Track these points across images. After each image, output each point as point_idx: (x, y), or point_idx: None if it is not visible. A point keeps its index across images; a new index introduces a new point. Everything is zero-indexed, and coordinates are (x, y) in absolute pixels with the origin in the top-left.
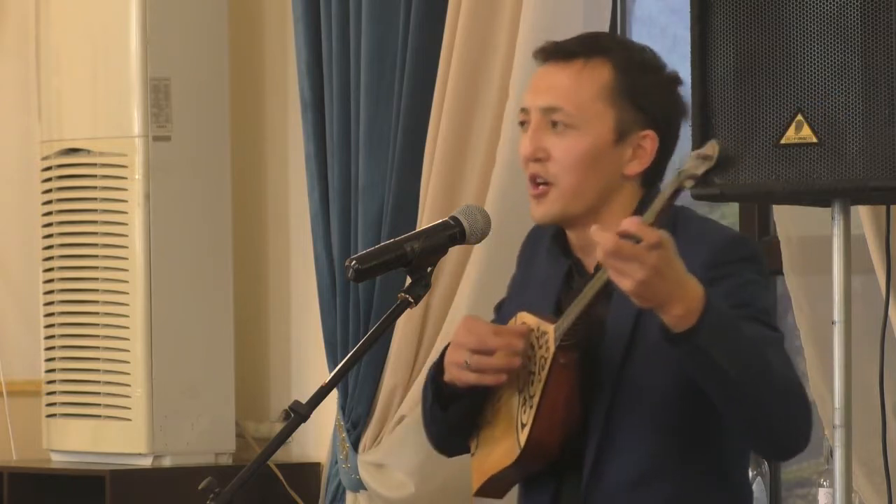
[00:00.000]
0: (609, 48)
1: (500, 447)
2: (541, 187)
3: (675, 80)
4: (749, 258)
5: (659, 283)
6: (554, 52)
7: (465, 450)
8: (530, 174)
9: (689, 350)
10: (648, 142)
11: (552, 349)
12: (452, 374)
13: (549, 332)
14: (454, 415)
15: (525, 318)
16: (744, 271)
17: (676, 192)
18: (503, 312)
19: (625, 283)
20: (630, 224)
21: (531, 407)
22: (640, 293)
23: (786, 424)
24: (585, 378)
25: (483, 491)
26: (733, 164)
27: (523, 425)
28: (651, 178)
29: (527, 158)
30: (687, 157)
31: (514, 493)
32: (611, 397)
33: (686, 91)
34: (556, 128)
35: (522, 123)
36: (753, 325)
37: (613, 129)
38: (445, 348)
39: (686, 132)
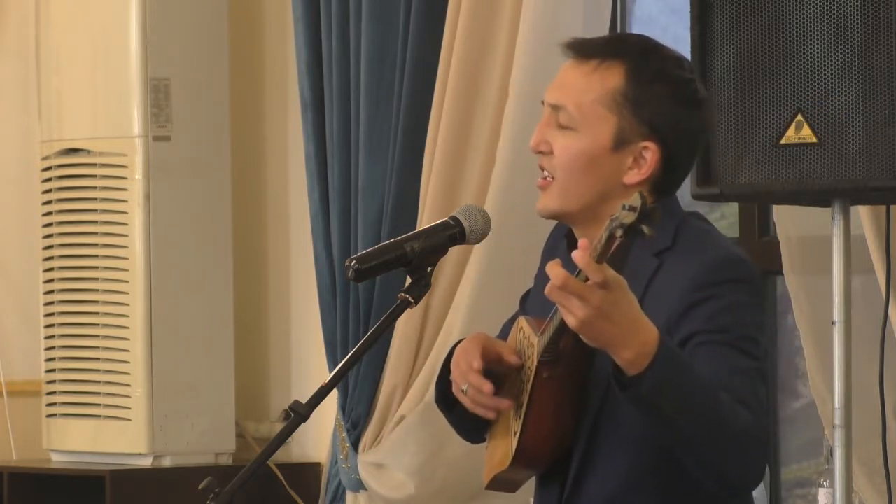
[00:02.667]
0: (628, 53)
1: (501, 449)
2: (544, 179)
3: (694, 96)
4: (738, 279)
5: (603, 325)
6: (574, 49)
7: (484, 439)
8: (538, 164)
9: (635, 399)
10: (649, 153)
11: (535, 363)
12: (455, 382)
13: (536, 345)
14: (461, 418)
15: (522, 325)
16: (730, 293)
17: (610, 238)
18: (526, 305)
19: (569, 320)
20: (578, 257)
21: (520, 417)
22: (583, 331)
23: (734, 468)
24: (582, 384)
25: (493, 487)
26: (657, 215)
27: (515, 433)
28: (665, 187)
29: (532, 150)
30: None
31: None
32: (597, 411)
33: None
34: (560, 126)
35: None
36: (727, 353)
37: (613, 135)
38: (456, 345)
39: None
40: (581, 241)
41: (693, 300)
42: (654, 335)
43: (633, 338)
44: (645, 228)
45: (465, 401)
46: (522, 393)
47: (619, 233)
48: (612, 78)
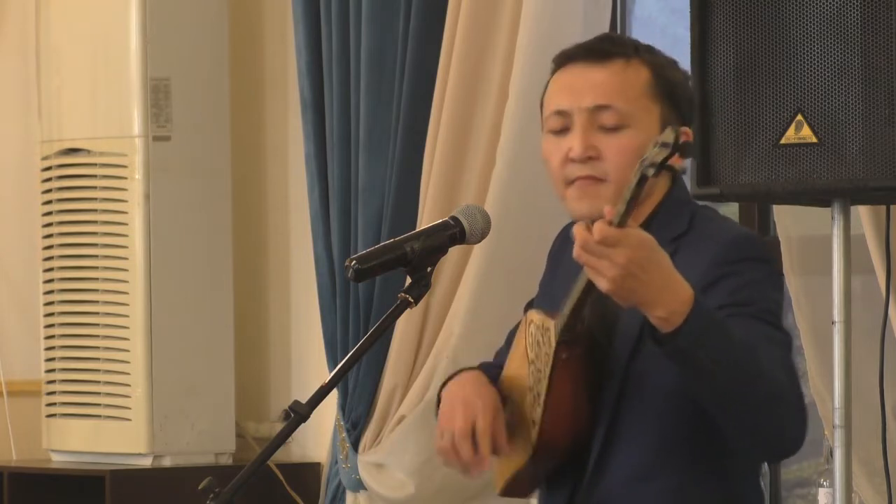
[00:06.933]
0: (636, 48)
1: (517, 447)
2: (590, 179)
3: (687, 74)
4: (756, 257)
5: (632, 284)
6: (587, 54)
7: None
8: (578, 175)
9: (673, 352)
10: (684, 138)
11: (553, 345)
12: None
13: (552, 328)
14: None
15: (532, 317)
16: (750, 270)
17: (642, 180)
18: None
19: (599, 282)
20: (597, 224)
21: (539, 404)
22: (613, 292)
23: (774, 429)
24: (596, 372)
25: (507, 492)
26: (691, 150)
27: (534, 423)
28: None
29: (574, 159)
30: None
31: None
32: (618, 391)
33: None
34: (604, 128)
35: (559, 131)
36: (754, 324)
37: (659, 125)
38: (454, 374)
39: None
40: (574, 227)
41: (713, 277)
42: (688, 293)
43: (666, 295)
44: (676, 165)
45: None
46: (539, 381)
47: (651, 172)
48: (643, 72)
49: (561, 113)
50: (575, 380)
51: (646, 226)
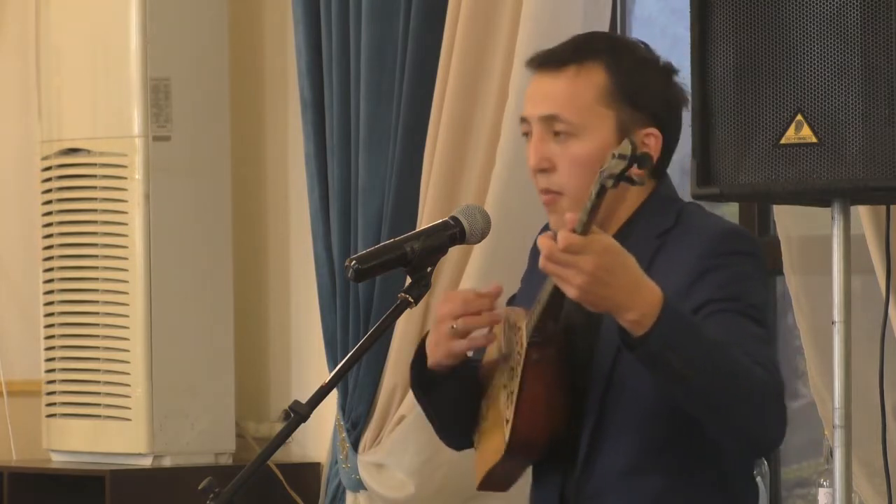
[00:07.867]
0: (600, 50)
1: (493, 443)
2: (550, 195)
3: (670, 70)
4: (743, 251)
5: (600, 290)
6: (546, 61)
7: (469, 444)
8: (539, 186)
9: (644, 356)
10: (652, 139)
11: (524, 346)
12: (437, 354)
13: (523, 328)
14: (438, 405)
15: (505, 314)
16: (737, 264)
17: (601, 191)
18: (514, 305)
19: (567, 290)
20: (561, 233)
21: (512, 403)
22: (582, 299)
23: (754, 427)
24: (571, 370)
25: (485, 485)
26: (650, 160)
27: (507, 421)
28: (661, 169)
29: (533, 170)
30: (607, 157)
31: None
32: (602, 392)
33: (683, 81)
34: (558, 137)
35: (526, 134)
36: (740, 321)
37: (615, 130)
38: (424, 338)
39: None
40: (538, 238)
41: (703, 268)
42: (657, 295)
43: (635, 299)
44: (634, 176)
45: (459, 345)
46: (512, 379)
47: (609, 183)
48: (597, 76)
49: (524, 120)
50: (547, 380)
51: (631, 223)
